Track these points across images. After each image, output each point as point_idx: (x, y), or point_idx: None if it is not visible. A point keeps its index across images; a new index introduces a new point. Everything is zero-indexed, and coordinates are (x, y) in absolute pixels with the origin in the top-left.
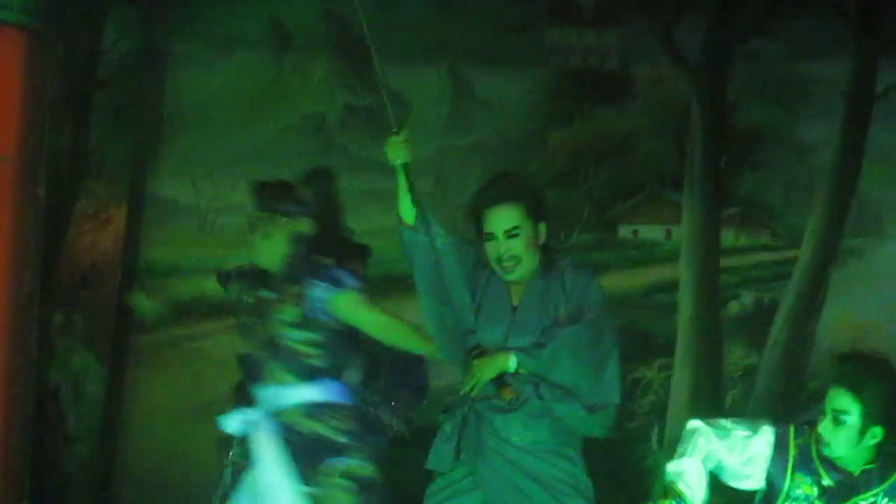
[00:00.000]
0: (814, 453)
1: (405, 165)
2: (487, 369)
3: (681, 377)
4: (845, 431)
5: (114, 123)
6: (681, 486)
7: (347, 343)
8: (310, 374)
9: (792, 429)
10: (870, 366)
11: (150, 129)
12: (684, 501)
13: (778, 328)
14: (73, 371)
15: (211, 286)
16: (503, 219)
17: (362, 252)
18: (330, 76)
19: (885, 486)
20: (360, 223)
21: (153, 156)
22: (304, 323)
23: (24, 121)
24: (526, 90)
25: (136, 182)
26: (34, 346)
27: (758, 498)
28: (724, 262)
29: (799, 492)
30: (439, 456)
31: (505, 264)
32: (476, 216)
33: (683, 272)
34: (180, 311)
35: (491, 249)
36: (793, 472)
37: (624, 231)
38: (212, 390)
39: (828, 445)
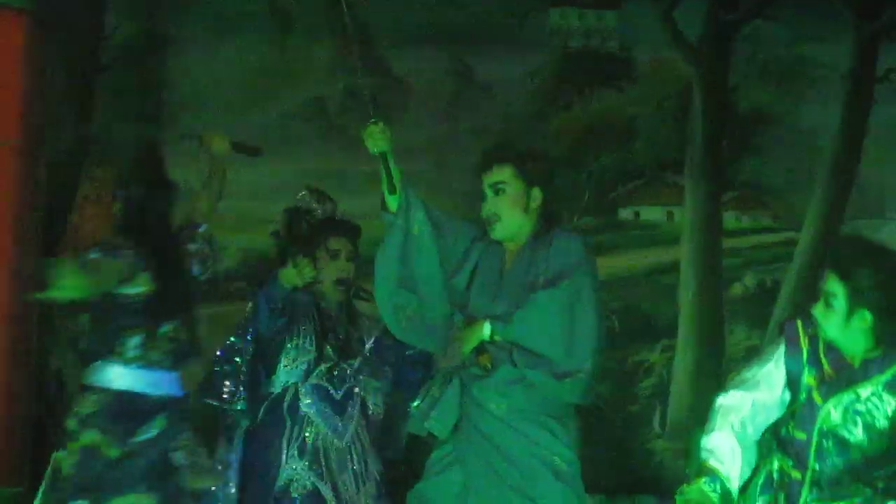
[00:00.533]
0: (820, 343)
1: (384, 153)
2: (467, 339)
3: (683, 359)
4: (834, 315)
5: (116, 108)
6: (713, 463)
7: None
8: None
9: (799, 322)
10: (863, 251)
11: (151, 113)
12: (719, 477)
13: (780, 309)
14: (74, 355)
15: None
16: (492, 177)
17: (353, 231)
18: (331, 59)
19: (887, 376)
20: (360, 206)
21: (155, 141)
22: None
23: (25, 105)
24: (527, 73)
25: (138, 167)
26: (35, 329)
27: (788, 403)
28: (726, 243)
29: (805, 383)
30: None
31: (487, 220)
32: (480, 181)
33: (685, 254)
34: None
35: (483, 209)
36: (807, 366)
37: (625, 213)
38: None
39: (821, 328)
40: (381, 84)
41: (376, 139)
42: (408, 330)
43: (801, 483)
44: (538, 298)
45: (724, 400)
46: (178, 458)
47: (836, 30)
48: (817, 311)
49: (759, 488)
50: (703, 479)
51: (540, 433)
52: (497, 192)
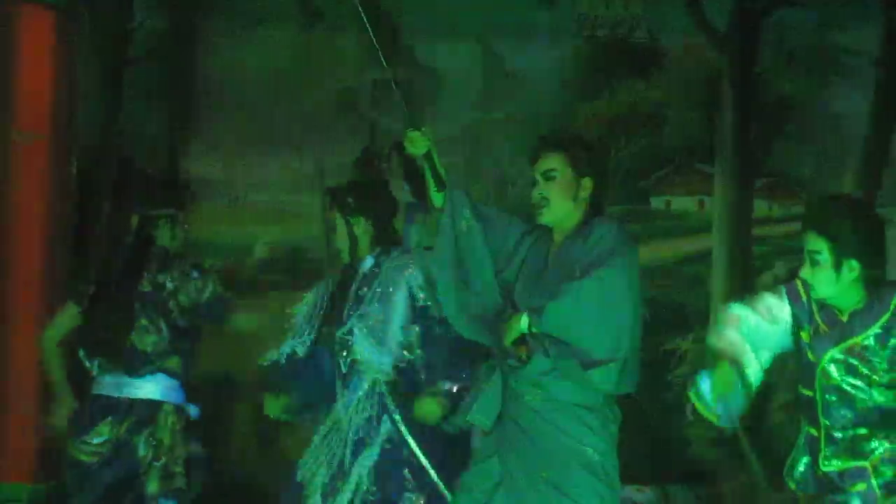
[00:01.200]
0: (813, 304)
1: (427, 153)
2: (508, 331)
3: None
4: (822, 271)
5: (145, 101)
6: (724, 348)
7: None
8: None
9: (799, 282)
10: (834, 204)
11: (181, 106)
12: (736, 361)
13: None
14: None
15: (242, 262)
16: (543, 164)
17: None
18: (359, 51)
19: (876, 329)
20: None
21: (184, 133)
22: None
23: (55, 99)
24: (556, 62)
25: (168, 160)
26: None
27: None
28: (757, 231)
29: (804, 340)
30: (479, 410)
31: (536, 205)
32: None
33: (716, 243)
34: None
35: (533, 195)
36: (806, 324)
37: (656, 202)
38: (242, 366)
39: (813, 288)
40: (411, 76)
41: (418, 143)
42: (470, 327)
43: (818, 439)
44: (570, 289)
45: (732, 309)
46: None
47: (863, 16)
48: (804, 273)
49: (799, 449)
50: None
51: (572, 424)
52: (548, 179)
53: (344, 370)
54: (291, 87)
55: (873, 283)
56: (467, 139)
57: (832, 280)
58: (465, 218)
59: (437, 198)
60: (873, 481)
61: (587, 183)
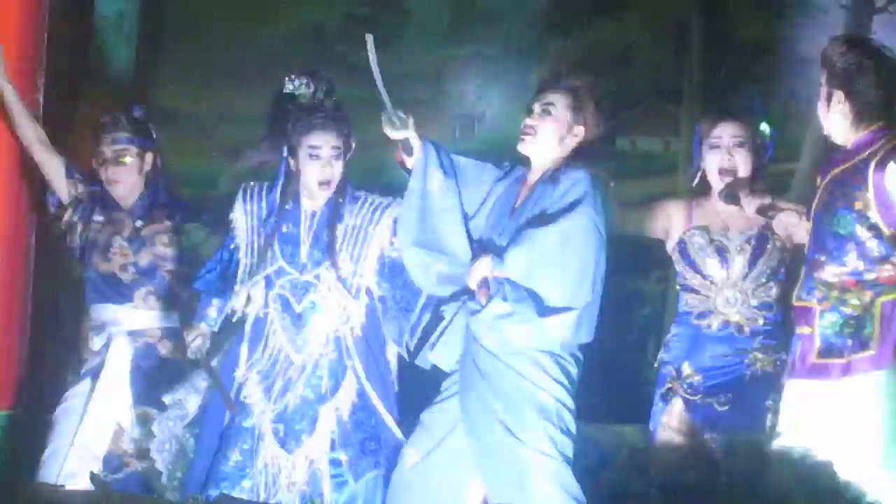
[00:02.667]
0: None
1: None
2: (472, 273)
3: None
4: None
5: (114, 32)
6: None
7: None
8: (173, 302)
9: None
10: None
11: (149, 37)
12: None
13: None
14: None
15: (214, 195)
16: (546, 96)
17: (341, 123)
18: None
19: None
20: (359, 137)
21: (153, 64)
22: (179, 256)
23: (22, 29)
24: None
25: (136, 90)
26: (32, 256)
27: None
28: None
29: None
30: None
31: (522, 131)
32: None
33: (682, 183)
34: None
35: (523, 122)
36: None
37: (622, 142)
38: None
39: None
40: (380, 11)
41: (397, 131)
42: (439, 286)
43: None
44: (532, 235)
45: None
46: None
47: None
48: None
49: None
50: None
51: (528, 368)
52: (543, 112)
53: (297, 310)
54: (261, 18)
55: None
56: (434, 75)
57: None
58: (436, 179)
59: (407, 162)
60: None
61: (579, 131)
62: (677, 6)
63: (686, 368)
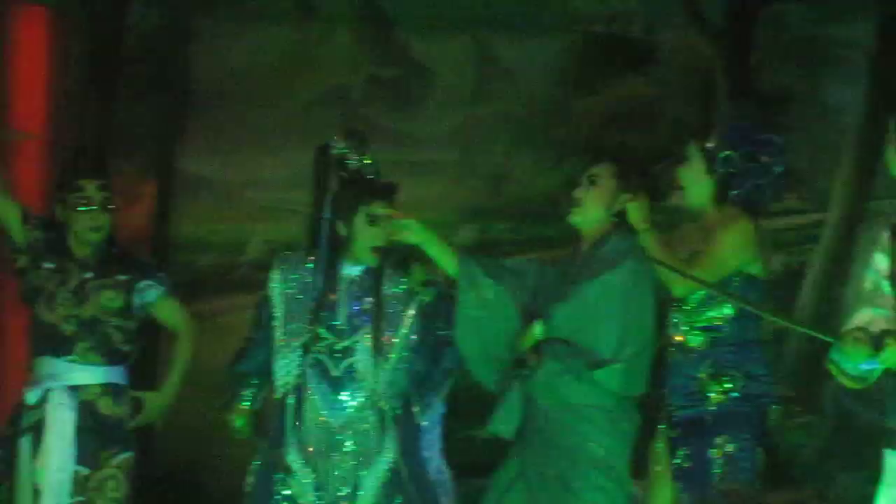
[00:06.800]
0: None
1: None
2: (524, 339)
3: None
4: None
5: (141, 99)
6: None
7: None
8: (117, 358)
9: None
10: None
11: (176, 104)
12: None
13: (807, 291)
14: None
15: (237, 261)
16: (593, 169)
17: (389, 189)
18: (354, 48)
19: None
20: None
21: (180, 131)
22: (127, 312)
23: (50, 98)
24: (551, 58)
25: (163, 158)
26: None
27: None
28: None
29: None
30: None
31: (572, 203)
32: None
33: None
34: (207, 286)
35: (573, 193)
36: None
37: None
38: None
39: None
40: (403, 72)
41: (414, 233)
42: (500, 379)
43: None
44: (576, 290)
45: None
46: None
47: (858, 8)
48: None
49: None
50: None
51: (579, 423)
52: (591, 183)
53: (337, 374)
54: (287, 83)
55: None
56: (460, 135)
57: None
58: (486, 286)
59: (448, 268)
60: None
61: (623, 198)
62: (701, 60)
63: None
